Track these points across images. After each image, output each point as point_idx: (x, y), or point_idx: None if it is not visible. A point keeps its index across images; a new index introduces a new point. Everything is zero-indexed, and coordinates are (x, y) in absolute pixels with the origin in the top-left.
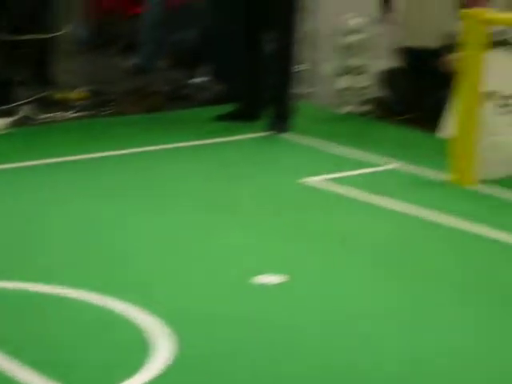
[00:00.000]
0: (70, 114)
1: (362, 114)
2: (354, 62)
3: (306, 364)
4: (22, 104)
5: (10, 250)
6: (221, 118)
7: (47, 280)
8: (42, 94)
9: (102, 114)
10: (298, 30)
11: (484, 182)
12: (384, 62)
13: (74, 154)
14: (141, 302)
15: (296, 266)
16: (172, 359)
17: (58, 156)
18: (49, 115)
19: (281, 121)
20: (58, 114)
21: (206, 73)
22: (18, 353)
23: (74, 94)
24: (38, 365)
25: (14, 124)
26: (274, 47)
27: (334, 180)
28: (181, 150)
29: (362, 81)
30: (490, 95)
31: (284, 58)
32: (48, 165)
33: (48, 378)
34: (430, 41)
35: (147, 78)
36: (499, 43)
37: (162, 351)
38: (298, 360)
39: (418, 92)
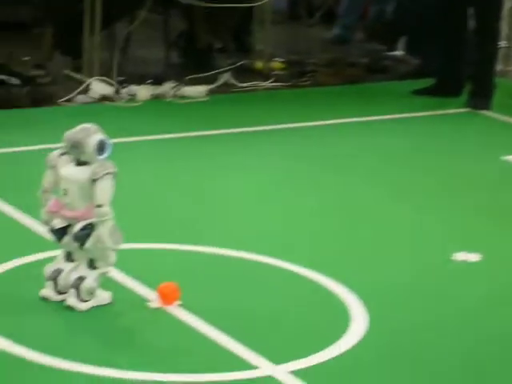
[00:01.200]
0: (267, 84)
1: None
2: None
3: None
4: (221, 72)
5: (202, 215)
6: (418, 92)
7: (239, 247)
8: (241, 63)
9: (300, 84)
10: (500, 6)
11: None
12: None
13: (270, 124)
14: (336, 275)
15: (492, 244)
16: (367, 330)
17: (253, 125)
18: (247, 84)
19: (481, 98)
20: (256, 83)
21: (404, 46)
22: (215, 319)
23: (272, 64)
24: (235, 332)
25: (213, 91)
26: (476, 22)
27: None
28: (374, 124)
29: None
30: None
31: (487, 34)
32: (245, 133)
33: (244, 346)
34: None
35: (346, 49)
36: None
37: (359, 321)
38: (499, 341)
39: None
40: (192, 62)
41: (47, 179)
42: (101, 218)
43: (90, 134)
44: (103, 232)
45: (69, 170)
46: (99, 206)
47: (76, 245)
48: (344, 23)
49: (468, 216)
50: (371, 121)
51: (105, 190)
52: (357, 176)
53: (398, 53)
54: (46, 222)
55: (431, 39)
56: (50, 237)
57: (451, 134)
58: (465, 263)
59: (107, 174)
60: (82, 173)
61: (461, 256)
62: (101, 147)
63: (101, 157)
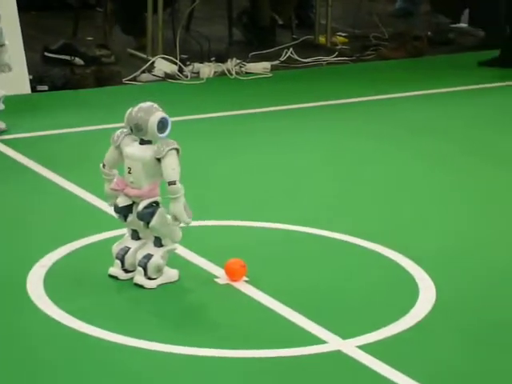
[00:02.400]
0: (331, 58)
1: None
2: None
3: None
4: (284, 47)
5: (267, 191)
6: (484, 63)
7: (305, 223)
8: (304, 38)
9: (363, 58)
10: None
11: None
12: None
13: (334, 99)
14: (402, 247)
15: None
16: (435, 303)
17: (317, 100)
18: (310, 59)
19: None
20: (320, 58)
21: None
22: (282, 295)
23: (335, 39)
24: (302, 307)
25: (277, 67)
26: None
27: None
28: (439, 97)
29: None
30: None
31: None
32: (309, 108)
33: (312, 321)
34: None
35: (410, 22)
36: None
37: (426, 294)
38: None
39: None
40: (255, 38)
41: (109, 154)
42: (174, 195)
43: (151, 113)
44: (178, 208)
45: (133, 149)
46: (171, 183)
47: (141, 223)
48: None
49: None
50: (436, 94)
51: (173, 166)
52: (419, 150)
53: (463, 25)
54: (108, 198)
55: (494, 11)
56: (115, 215)
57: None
58: None
59: (171, 149)
60: (146, 151)
61: None
62: (162, 125)
63: (162, 135)
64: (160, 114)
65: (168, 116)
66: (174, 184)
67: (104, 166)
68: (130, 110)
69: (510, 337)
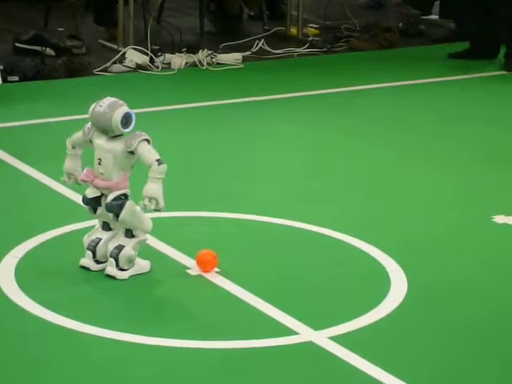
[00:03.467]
0: (302, 50)
1: None
2: None
3: None
4: (256, 38)
5: (237, 182)
6: (453, 56)
7: (277, 214)
8: (276, 29)
9: (335, 50)
10: None
11: None
12: None
13: (305, 90)
14: (375, 239)
15: None
16: (406, 295)
17: (288, 91)
18: (282, 50)
19: None
20: (291, 50)
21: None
22: (254, 286)
23: (306, 30)
24: (274, 298)
25: (248, 58)
26: None
27: None
28: (409, 88)
29: None
30: None
31: None
32: (280, 100)
33: (284, 312)
34: None
35: (382, 14)
36: None
37: (398, 286)
38: None
39: None
40: (222, 27)
41: (78, 137)
42: (161, 174)
43: (114, 108)
44: (160, 190)
45: (103, 141)
46: (159, 161)
47: (110, 215)
48: None
49: (508, 180)
50: (406, 85)
51: (149, 149)
52: (387, 142)
53: (434, 17)
54: (64, 174)
55: (465, 3)
56: (84, 207)
57: (484, 98)
58: (505, 225)
59: (142, 140)
60: (116, 144)
61: (501, 219)
62: (126, 121)
63: (127, 130)
64: (123, 109)
65: (131, 110)
66: (163, 163)
67: (70, 141)
68: (92, 106)
69: (482, 328)
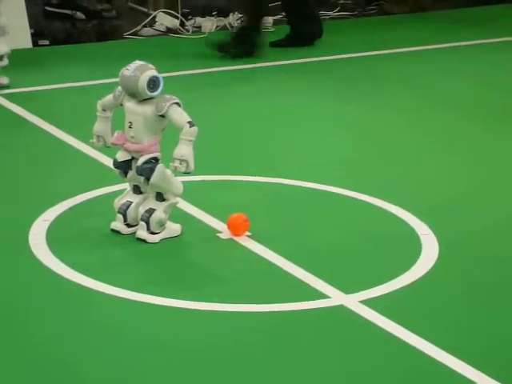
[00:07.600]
0: (333, 13)
1: None
2: None
3: None
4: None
5: (267, 147)
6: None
7: (308, 178)
8: None
9: (366, 13)
10: None
11: None
12: None
13: (336, 54)
14: (402, 201)
15: None
16: (437, 259)
17: (320, 55)
18: None
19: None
20: (322, 13)
21: None
22: (285, 250)
23: None
24: (305, 262)
25: (279, 22)
26: None
27: None
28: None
29: None
30: None
31: None
32: (310, 63)
33: (315, 276)
34: None
35: None
36: None
37: (429, 249)
38: None
39: None
40: None
41: (108, 100)
42: (192, 136)
43: (140, 72)
44: (191, 152)
45: (134, 104)
46: (191, 123)
47: (141, 179)
48: None
49: None
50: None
51: (180, 112)
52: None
53: None
54: (94, 143)
55: None
56: (114, 170)
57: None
58: None
59: (172, 104)
60: (147, 107)
61: None
62: (153, 84)
63: (153, 93)
64: (150, 72)
65: (158, 74)
66: (194, 125)
67: (100, 104)
68: (121, 71)
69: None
